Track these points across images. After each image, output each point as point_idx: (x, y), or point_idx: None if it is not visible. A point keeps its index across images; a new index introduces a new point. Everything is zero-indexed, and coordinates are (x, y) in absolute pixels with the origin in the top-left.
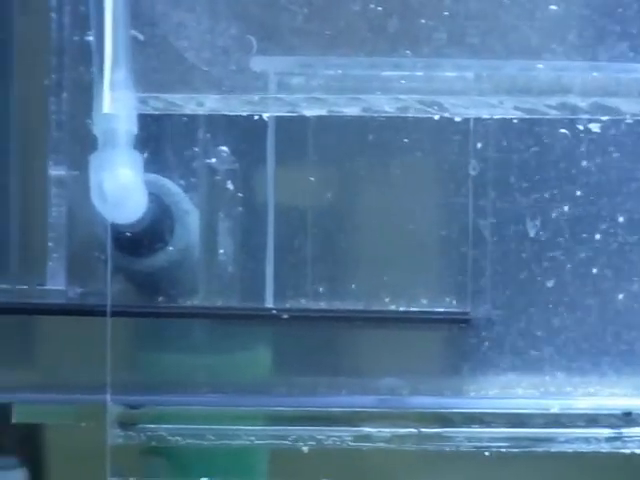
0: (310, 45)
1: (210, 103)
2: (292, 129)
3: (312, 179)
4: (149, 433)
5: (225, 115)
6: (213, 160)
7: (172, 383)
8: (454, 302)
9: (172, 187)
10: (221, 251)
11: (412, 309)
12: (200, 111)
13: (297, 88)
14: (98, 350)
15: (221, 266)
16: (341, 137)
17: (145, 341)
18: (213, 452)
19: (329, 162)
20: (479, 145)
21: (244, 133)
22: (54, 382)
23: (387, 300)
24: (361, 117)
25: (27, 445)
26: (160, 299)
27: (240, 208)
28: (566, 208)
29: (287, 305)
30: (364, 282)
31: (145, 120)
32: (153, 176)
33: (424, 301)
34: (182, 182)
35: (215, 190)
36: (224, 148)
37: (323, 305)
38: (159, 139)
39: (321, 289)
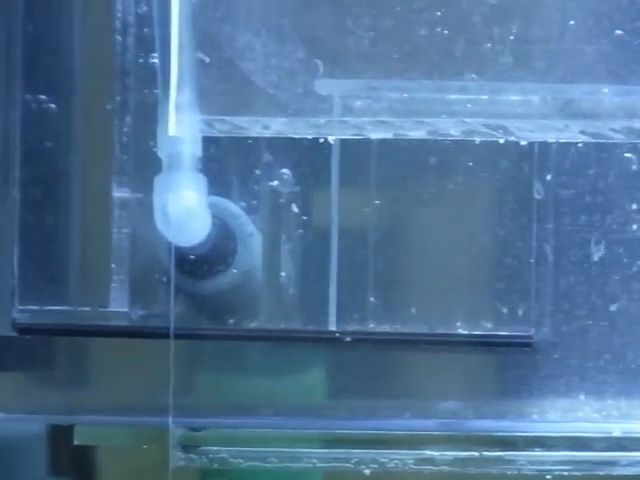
0: (376, 68)
1: (276, 126)
2: (354, 151)
3: (376, 202)
4: (211, 455)
5: (287, 137)
6: (275, 183)
7: (234, 405)
8: (517, 325)
9: (235, 210)
10: (283, 274)
11: (475, 332)
12: (266, 134)
13: (362, 111)
14: (159, 372)
15: (283, 289)
16: (404, 159)
17: (207, 363)
18: (273, 475)
19: (392, 184)
20: (543, 168)
21: (306, 155)
22: (115, 404)
23: (450, 323)
24: (424, 139)
25: (82, 466)
26: (222, 322)
27: (302, 230)
28: (631, 231)
29: (349, 328)
30: (427, 305)
31: (208, 142)
32: (216, 199)
33: (487, 324)
34: (244, 205)
35: (278, 213)
36: (286, 170)
37: (385, 328)
38: (222, 161)
39: (383, 312)
